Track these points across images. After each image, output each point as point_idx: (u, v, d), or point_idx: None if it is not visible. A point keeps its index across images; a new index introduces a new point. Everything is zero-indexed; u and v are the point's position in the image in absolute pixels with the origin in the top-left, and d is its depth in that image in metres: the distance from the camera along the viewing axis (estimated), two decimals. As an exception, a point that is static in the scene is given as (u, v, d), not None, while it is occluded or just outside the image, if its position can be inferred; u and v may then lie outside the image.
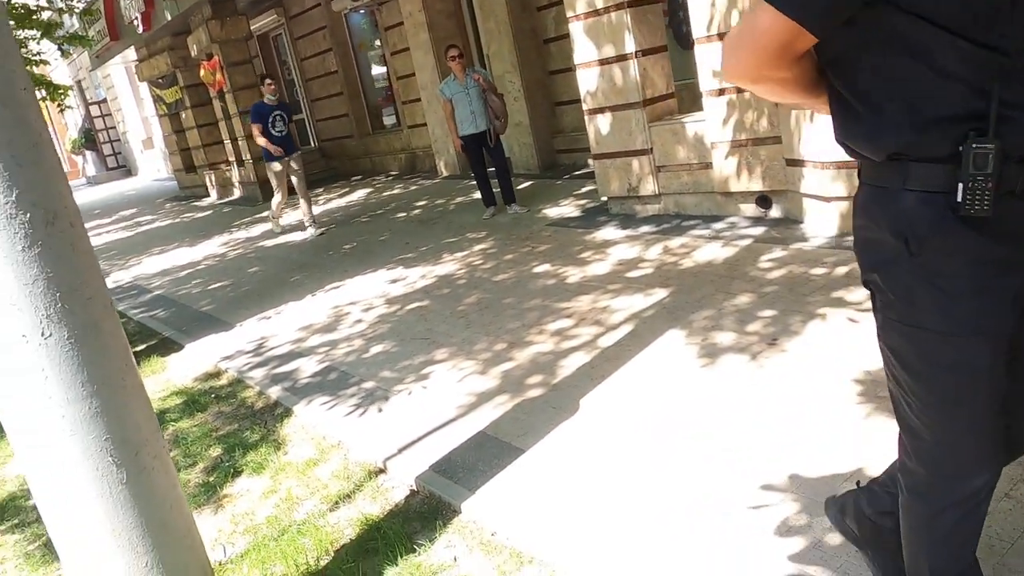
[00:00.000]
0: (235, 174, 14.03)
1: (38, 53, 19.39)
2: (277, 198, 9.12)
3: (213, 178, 15.06)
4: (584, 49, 6.38)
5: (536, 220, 7.27)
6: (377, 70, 13.43)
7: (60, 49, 14.45)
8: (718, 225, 5.80)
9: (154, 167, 24.09)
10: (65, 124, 32.72)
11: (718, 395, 3.25)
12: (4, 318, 1.92)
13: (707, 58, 5.59)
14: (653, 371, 3.62)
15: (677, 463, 2.79)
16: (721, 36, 5.46)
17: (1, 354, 1.96)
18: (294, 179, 8.87)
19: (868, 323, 2.47)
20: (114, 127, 27.32)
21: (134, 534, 2.14)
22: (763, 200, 5.71)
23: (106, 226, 14.53)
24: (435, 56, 10.62)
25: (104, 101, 27.07)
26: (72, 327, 1.98)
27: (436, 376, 4.10)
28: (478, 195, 8.49)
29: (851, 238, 1.52)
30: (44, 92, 15.51)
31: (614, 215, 6.78)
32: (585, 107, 6.61)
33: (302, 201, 8.88)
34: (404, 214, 9.06)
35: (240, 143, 13.08)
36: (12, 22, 12.40)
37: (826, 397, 3.03)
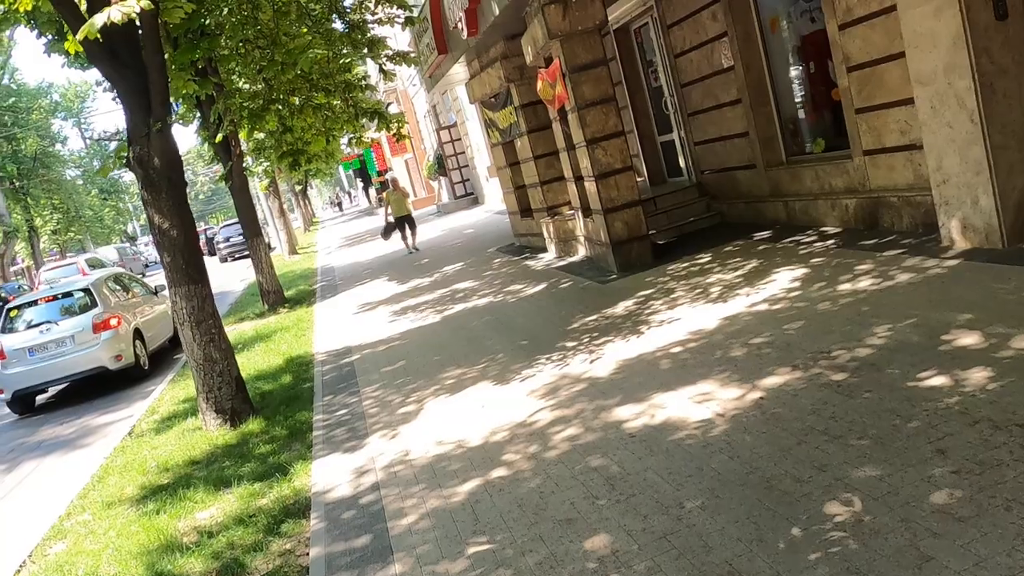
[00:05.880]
0: (579, 226, 9.90)
1: (364, 77, 17.32)
2: None
3: (551, 229, 11.14)
4: None
5: None
6: (802, 62, 8.28)
7: (382, 71, 11.65)
8: None
9: (499, 196, 21.45)
10: (424, 149, 32.46)
11: None
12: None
13: None
14: None
15: None
16: None
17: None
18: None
19: None
20: (463, 152, 25.56)
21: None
22: None
23: (423, 292, 11.33)
24: (962, 13, 5.25)
25: (454, 125, 25.44)
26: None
27: None
28: None
29: None
30: (375, 122, 13.20)
31: None
32: None
33: None
34: (953, 410, 3.84)
35: (586, 184, 8.86)
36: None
37: None
